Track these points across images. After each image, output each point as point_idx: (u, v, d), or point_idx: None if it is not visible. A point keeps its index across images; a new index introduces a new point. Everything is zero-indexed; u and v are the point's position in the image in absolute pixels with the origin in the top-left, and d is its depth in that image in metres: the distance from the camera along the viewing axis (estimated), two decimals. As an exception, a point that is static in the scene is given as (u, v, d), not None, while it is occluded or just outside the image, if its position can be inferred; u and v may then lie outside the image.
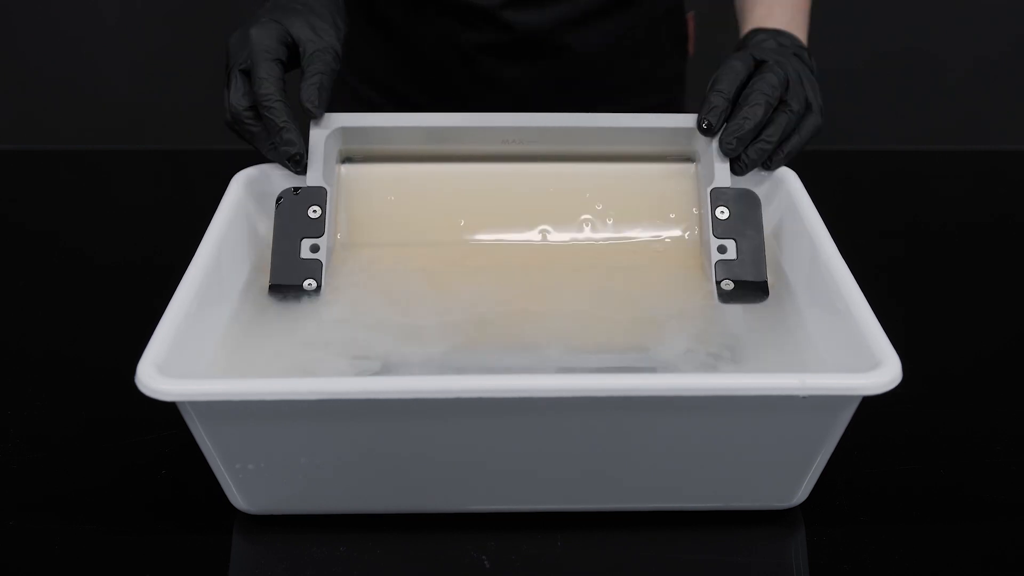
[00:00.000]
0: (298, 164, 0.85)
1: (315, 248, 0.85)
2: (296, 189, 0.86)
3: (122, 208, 1.18)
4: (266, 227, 0.88)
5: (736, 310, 0.83)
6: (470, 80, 1.15)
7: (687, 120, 0.90)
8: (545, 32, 1.13)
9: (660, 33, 1.20)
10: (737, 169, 0.87)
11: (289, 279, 0.84)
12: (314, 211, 0.85)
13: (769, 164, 0.89)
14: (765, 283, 0.84)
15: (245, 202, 0.88)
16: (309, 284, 0.84)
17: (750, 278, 0.84)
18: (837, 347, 0.74)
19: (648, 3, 1.17)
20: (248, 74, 0.84)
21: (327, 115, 0.88)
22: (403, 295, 0.85)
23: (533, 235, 0.92)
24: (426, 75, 1.17)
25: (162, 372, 0.66)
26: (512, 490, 0.72)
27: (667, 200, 0.92)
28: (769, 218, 0.90)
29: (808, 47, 0.96)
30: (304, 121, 0.88)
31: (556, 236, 0.92)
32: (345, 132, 0.89)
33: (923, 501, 0.76)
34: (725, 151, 0.87)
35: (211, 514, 0.74)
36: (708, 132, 0.87)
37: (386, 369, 0.76)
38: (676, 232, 0.92)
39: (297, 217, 0.85)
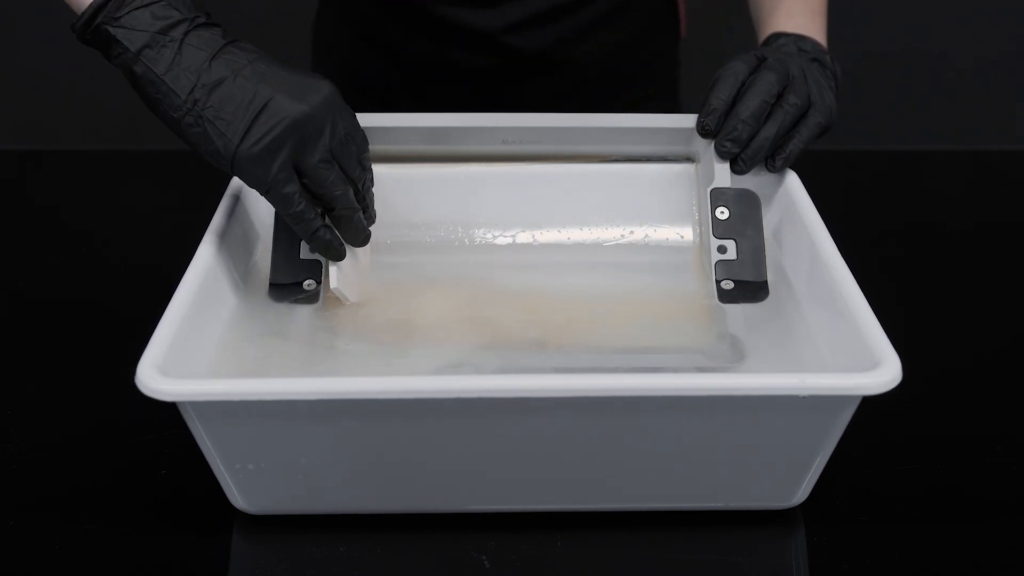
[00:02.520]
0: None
1: (315, 248, 0.85)
2: (296, 189, 0.86)
3: (122, 208, 1.18)
4: (266, 227, 0.88)
5: (736, 310, 0.83)
6: (471, 97, 1.14)
7: (687, 120, 0.89)
8: (548, 52, 1.12)
9: (656, 24, 1.20)
10: (737, 168, 0.87)
11: (289, 279, 0.84)
12: (314, 211, 0.85)
13: (773, 165, 0.88)
14: (765, 283, 0.84)
15: (245, 202, 0.88)
16: (309, 284, 0.84)
17: (750, 278, 0.84)
18: (837, 347, 0.74)
19: (644, 2, 1.17)
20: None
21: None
22: (403, 295, 0.85)
23: (533, 235, 0.92)
24: (426, 92, 1.16)
25: (162, 372, 0.66)
26: (512, 490, 0.72)
27: (667, 200, 0.92)
28: (769, 218, 0.90)
29: (829, 52, 0.96)
30: None
31: (556, 236, 0.92)
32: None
33: (923, 501, 0.76)
34: (721, 154, 0.86)
35: (211, 514, 0.74)
36: (707, 134, 0.87)
37: (386, 369, 0.76)
38: (676, 232, 0.92)
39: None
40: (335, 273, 0.81)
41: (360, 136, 0.81)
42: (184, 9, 0.75)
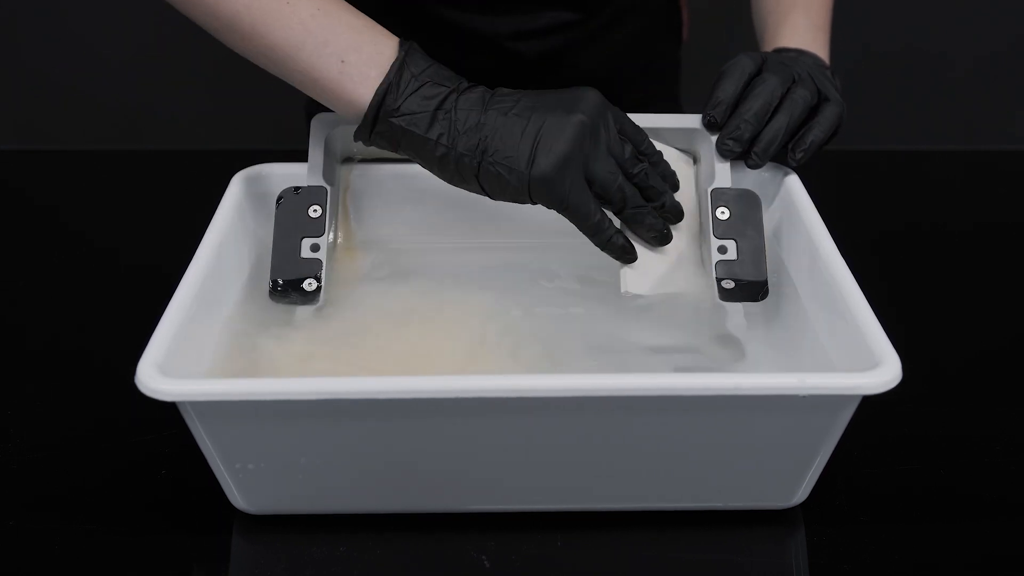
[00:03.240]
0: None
1: (315, 248, 0.85)
2: (297, 189, 0.86)
3: (122, 208, 1.18)
4: (266, 227, 0.88)
5: (736, 310, 0.83)
6: None
7: (688, 120, 0.89)
8: (551, 57, 1.12)
9: (658, 29, 1.20)
10: (752, 163, 0.86)
11: (289, 278, 0.84)
12: (314, 211, 0.85)
13: (794, 158, 0.87)
14: (765, 283, 0.84)
15: (245, 202, 0.88)
16: (309, 284, 0.83)
17: (750, 278, 0.84)
18: (837, 347, 0.74)
19: (647, 8, 1.17)
20: None
21: (328, 115, 0.88)
22: (402, 295, 0.85)
23: (533, 235, 0.92)
24: None
25: (162, 372, 0.66)
26: (512, 490, 0.72)
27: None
28: (769, 218, 0.90)
29: (831, 66, 0.96)
30: (307, 124, 0.88)
31: (556, 236, 0.92)
32: (346, 132, 0.89)
33: (923, 501, 0.76)
34: (722, 153, 0.86)
35: (211, 514, 0.74)
36: (712, 128, 0.87)
37: (385, 369, 0.76)
38: (676, 232, 0.92)
39: (297, 217, 0.85)
40: (625, 274, 0.81)
41: (632, 128, 0.82)
42: (448, 82, 0.79)
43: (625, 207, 0.80)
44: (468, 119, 0.77)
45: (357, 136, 0.80)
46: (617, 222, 0.81)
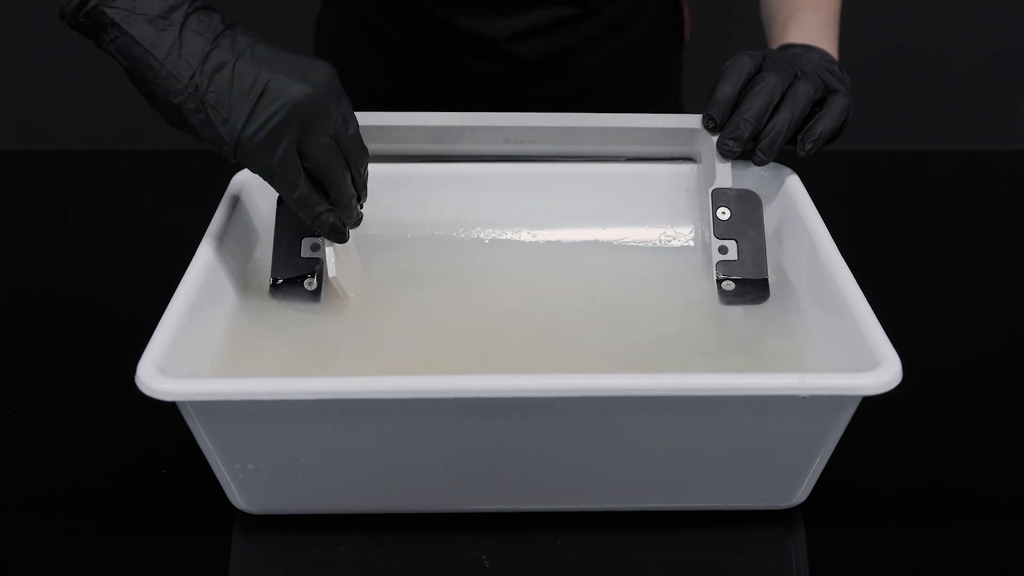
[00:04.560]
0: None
1: (315, 247, 0.85)
2: (296, 189, 0.86)
3: (122, 208, 1.18)
4: (266, 227, 0.88)
5: (737, 310, 0.83)
6: (474, 101, 1.13)
7: (688, 120, 0.89)
8: (552, 60, 1.12)
9: (660, 31, 1.20)
10: (757, 160, 0.86)
11: (289, 278, 0.84)
12: (314, 211, 0.85)
13: (803, 149, 0.86)
14: (766, 283, 0.84)
15: (245, 202, 0.88)
16: (309, 283, 0.84)
17: (751, 278, 0.84)
18: (837, 347, 0.74)
19: (650, 11, 1.17)
20: None
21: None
22: (403, 294, 0.85)
23: (534, 235, 0.92)
24: (429, 95, 1.16)
25: (162, 372, 0.66)
26: (512, 490, 0.72)
27: (668, 200, 0.92)
28: (769, 218, 0.89)
29: (839, 62, 0.95)
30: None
31: (557, 236, 0.92)
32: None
33: (923, 501, 0.76)
34: (723, 154, 0.86)
35: (211, 514, 0.74)
36: (712, 129, 0.87)
37: (385, 369, 0.76)
38: (677, 232, 0.92)
39: (298, 217, 0.85)
40: (334, 263, 0.81)
41: (354, 120, 0.78)
42: None
43: (333, 193, 0.77)
44: (193, 43, 0.71)
45: (63, 13, 0.72)
46: None
